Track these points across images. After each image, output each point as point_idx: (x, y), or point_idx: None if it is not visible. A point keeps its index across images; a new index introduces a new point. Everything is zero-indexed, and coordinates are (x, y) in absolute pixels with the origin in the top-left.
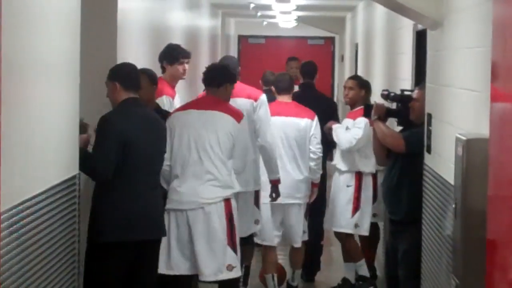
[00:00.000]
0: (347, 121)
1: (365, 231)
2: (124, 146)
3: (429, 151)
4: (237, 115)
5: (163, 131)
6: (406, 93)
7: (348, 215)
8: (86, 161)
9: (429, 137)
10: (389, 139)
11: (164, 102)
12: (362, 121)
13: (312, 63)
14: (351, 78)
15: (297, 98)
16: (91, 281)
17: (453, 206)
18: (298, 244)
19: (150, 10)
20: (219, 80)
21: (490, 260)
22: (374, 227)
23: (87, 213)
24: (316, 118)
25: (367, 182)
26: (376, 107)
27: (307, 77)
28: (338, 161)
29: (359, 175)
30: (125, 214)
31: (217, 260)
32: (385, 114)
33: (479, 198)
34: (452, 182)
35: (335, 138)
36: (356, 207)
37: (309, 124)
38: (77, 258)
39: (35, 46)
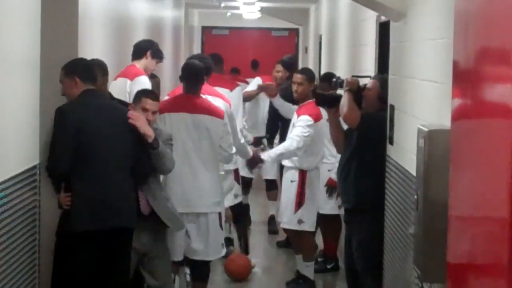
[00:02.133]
0: (294, 118)
1: (309, 227)
2: (82, 135)
3: (391, 142)
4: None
5: (126, 120)
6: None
7: (291, 211)
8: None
9: (391, 129)
10: (349, 110)
11: (143, 81)
12: (306, 119)
13: (294, 57)
14: (299, 72)
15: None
16: (60, 273)
17: (415, 197)
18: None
19: (112, 0)
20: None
21: (450, 250)
22: (337, 218)
23: (50, 203)
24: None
25: (312, 177)
26: (347, 80)
27: (291, 70)
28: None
29: (302, 171)
30: (90, 204)
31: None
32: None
33: (440, 189)
34: (414, 173)
35: (280, 156)
36: (299, 203)
37: None
38: (38, 249)
39: None
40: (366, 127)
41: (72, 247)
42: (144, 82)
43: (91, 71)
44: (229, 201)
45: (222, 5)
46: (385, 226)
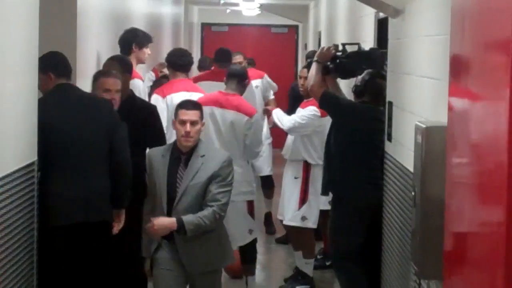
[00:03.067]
0: (298, 111)
1: (312, 224)
2: (46, 131)
3: (389, 139)
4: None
5: (103, 111)
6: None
7: (295, 208)
8: None
9: (390, 125)
10: (313, 84)
11: (136, 85)
12: (312, 109)
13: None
14: (305, 67)
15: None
16: (43, 268)
17: (412, 193)
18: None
19: None
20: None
21: (447, 246)
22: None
23: None
24: None
25: (315, 174)
26: (321, 51)
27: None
28: (285, 150)
29: (306, 167)
30: (60, 198)
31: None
32: (326, 67)
33: (437, 186)
34: (412, 170)
35: (276, 121)
36: (303, 200)
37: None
38: (35, 245)
39: None
40: (325, 103)
41: (49, 242)
42: (139, 87)
43: (64, 65)
44: None
45: (222, 1)
46: (383, 223)
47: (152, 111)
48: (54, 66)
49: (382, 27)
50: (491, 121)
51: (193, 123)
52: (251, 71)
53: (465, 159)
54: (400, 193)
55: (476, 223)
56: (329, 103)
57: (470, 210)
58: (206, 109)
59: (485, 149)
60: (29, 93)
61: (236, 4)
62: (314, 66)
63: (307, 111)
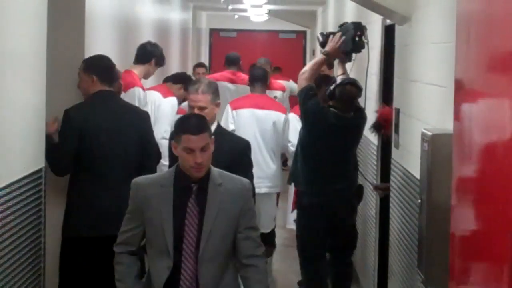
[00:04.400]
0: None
1: None
2: (83, 139)
3: (396, 145)
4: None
5: (140, 122)
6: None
7: (289, 211)
8: (48, 152)
9: (396, 132)
10: (307, 76)
11: (137, 94)
12: (292, 117)
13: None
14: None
15: None
16: (65, 275)
17: (419, 201)
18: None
19: (119, 3)
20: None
21: (453, 254)
22: None
23: (55, 207)
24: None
25: None
26: (333, 45)
27: None
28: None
29: None
30: (93, 209)
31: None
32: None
33: (443, 193)
34: (418, 176)
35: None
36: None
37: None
38: (42, 252)
39: (1, 39)
40: (299, 99)
41: (76, 251)
42: (136, 96)
43: (109, 72)
44: None
45: (230, 7)
46: (390, 229)
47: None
48: (98, 70)
49: (389, 33)
50: (497, 128)
51: (203, 148)
52: (274, 83)
53: (471, 166)
54: (407, 199)
55: (483, 231)
56: (303, 98)
57: (477, 217)
58: (245, 112)
59: (491, 156)
60: (37, 99)
61: (244, 10)
62: (320, 58)
63: (292, 128)
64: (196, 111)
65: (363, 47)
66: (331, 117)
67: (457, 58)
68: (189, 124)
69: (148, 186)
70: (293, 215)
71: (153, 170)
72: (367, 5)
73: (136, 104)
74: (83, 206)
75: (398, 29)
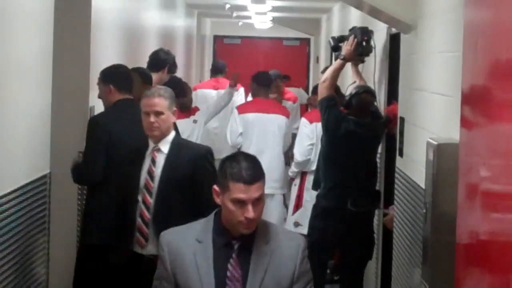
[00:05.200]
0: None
1: (307, 230)
2: (112, 148)
3: (401, 154)
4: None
5: None
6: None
7: (290, 213)
8: (76, 168)
9: (401, 141)
10: (328, 84)
11: None
12: (304, 122)
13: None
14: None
15: None
16: (80, 281)
17: (424, 210)
18: None
19: (124, 9)
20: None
21: (458, 264)
22: None
23: (60, 212)
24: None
25: (312, 181)
26: (349, 48)
27: None
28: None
29: (302, 174)
30: (114, 218)
31: None
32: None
33: (449, 203)
34: (423, 186)
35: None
36: (297, 206)
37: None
38: (47, 257)
39: (8, 45)
40: (320, 108)
41: (92, 258)
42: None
43: (127, 81)
44: None
45: (234, 14)
46: (394, 238)
47: None
48: (114, 79)
49: (394, 42)
50: (504, 138)
51: (257, 200)
52: (287, 93)
53: (477, 176)
54: (412, 209)
55: (489, 241)
56: (324, 108)
57: (483, 227)
58: (251, 116)
59: (498, 166)
60: (43, 106)
61: (249, 17)
62: (338, 63)
63: (301, 129)
64: (152, 118)
65: (371, 51)
66: (351, 125)
67: (464, 68)
68: (240, 169)
69: (181, 241)
70: (293, 218)
71: None
72: (373, 14)
73: None
74: (104, 214)
75: (403, 38)
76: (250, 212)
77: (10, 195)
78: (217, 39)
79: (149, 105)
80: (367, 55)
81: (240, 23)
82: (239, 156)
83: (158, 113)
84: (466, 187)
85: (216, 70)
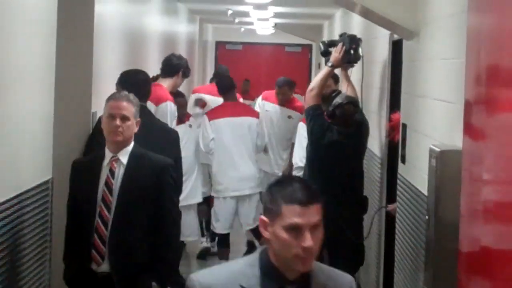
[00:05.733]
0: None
1: None
2: None
3: (403, 161)
4: None
5: (170, 139)
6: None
7: None
8: None
9: (403, 147)
10: (316, 93)
11: (169, 108)
12: (302, 126)
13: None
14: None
15: None
16: None
17: (426, 217)
18: None
19: (127, 15)
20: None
21: (461, 272)
22: None
23: (62, 217)
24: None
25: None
26: (337, 55)
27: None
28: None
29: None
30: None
31: None
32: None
33: (451, 210)
34: (425, 193)
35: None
36: None
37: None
38: (49, 263)
39: (10, 51)
40: (306, 116)
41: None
42: (169, 110)
43: (141, 88)
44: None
45: (236, 20)
46: (396, 245)
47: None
48: (130, 85)
49: (396, 48)
50: (507, 145)
51: (315, 227)
52: (297, 101)
53: (480, 183)
54: (414, 215)
55: (492, 249)
56: (310, 117)
57: (486, 235)
58: (221, 121)
59: (501, 173)
60: (45, 111)
61: (251, 23)
62: (326, 70)
63: (299, 135)
64: (118, 122)
65: (358, 58)
66: (335, 135)
67: (467, 74)
68: (294, 190)
69: (222, 286)
70: None
71: (180, 188)
72: (375, 20)
73: (168, 117)
74: None
75: (405, 44)
76: (308, 240)
77: (12, 200)
78: (219, 45)
79: (117, 107)
80: (355, 62)
81: (242, 29)
82: (289, 178)
83: (124, 118)
84: (469, 194)
85: (217, 76)
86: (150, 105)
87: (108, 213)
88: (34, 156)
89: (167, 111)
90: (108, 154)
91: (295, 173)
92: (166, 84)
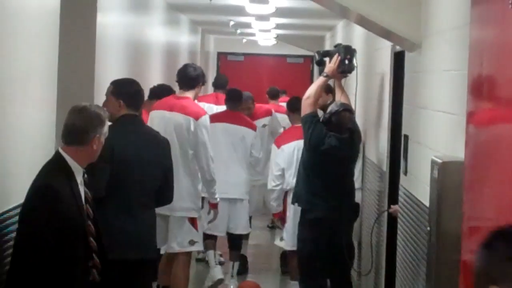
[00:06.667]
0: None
1: (290, 246)
2: (117, 163)
3: (405, 172)
4: None
5: (162, 149)
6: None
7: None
8: None
9: (405, 159)
10: (312, 102)
11: (208, 123)
12: (273, 148)
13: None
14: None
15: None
16: None
17: (428, 228)
18: None
19: (129, 25)
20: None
21: (463, 283)
22: None
23: None
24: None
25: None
26: (332, 66)
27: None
28: None
29: (285, 192)
30: (117, 233)
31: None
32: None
33: (453, 221)
34: (427, 204)
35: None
36: (283, 222)
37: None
38: None
39: (13, 61)
40: (302, 124)
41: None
42: (208, 123)
43: (135, 97)
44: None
45: (238, 31)
46: (397, 256)
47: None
48: (126, 95)
49: (398, 60)
50: (509, 156)
51: None
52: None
53: (482, 195)
54: (415, 227)
55: None
56: (308, 125)
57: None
58: (219, 125)
59: (503, 185)
60: (48, 121)
61: (253, 34)
62: (321, 80)
63: (274, 157)
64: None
65: (353, 69)
66: (334, 140)
67: (470, 86)
68: None
69: None
70: (280, 233)
71: (171, 199)
72: (377, 32)
73: (204, 131)
74: (107, 230)
75: (408, 56)
76: None
77: (15, 210)
78: (221, 55)
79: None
80: (350, 72)
81: (244, 40)
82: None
83: None
84: (471, 205)
85: (218, 85)
86: (188, 119)
87: (93, 227)
88: (36, 165)
89: (207, 125)
90: (79, 169)
91: (273, 196)
92: (192, 95)
